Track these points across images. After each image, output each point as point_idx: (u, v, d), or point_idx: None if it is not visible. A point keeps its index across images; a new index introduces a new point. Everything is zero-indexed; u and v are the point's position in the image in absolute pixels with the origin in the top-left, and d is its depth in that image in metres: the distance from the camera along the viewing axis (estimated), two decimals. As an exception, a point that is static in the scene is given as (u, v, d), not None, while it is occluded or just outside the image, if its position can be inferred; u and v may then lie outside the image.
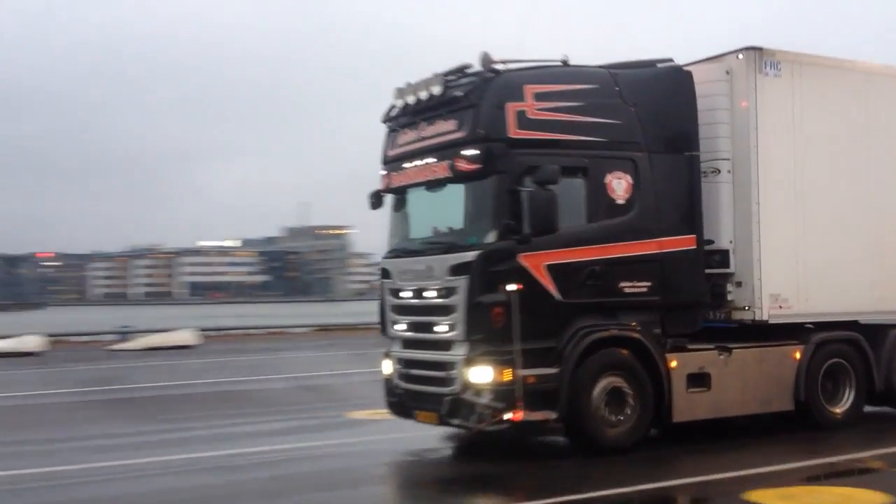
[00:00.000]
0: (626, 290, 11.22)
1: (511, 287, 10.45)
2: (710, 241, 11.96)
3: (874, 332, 12.90)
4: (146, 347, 31.84)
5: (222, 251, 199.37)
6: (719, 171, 12.10)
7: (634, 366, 11.12)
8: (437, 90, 11.16)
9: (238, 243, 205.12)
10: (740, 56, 12.12)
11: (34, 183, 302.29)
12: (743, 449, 11.44)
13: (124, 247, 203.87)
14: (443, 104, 11.17)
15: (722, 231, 12.07)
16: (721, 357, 11.80)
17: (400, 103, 11.84)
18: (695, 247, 11.64)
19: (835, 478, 10.12)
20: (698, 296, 11.73)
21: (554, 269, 10.77)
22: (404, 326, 11.78)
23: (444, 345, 11.04)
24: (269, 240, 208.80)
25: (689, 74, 11.91)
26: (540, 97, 10.95)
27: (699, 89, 11.92)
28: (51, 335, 33.53)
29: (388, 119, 12.22)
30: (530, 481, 10.37)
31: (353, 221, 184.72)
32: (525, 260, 10.63)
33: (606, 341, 11.02)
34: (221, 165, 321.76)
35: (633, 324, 11.22)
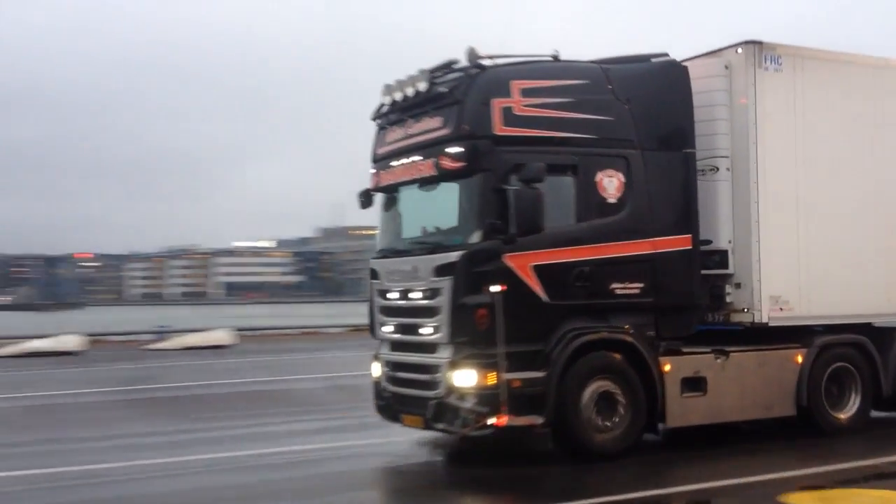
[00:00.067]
0: (618, 292, 10.89)
1: (495, 288, 10.17)
2: (708, 242, 11.61)
3: (881, 336, 12.47)
4: (183, 347, 32.06)
5: (257, 252, 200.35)
6: (717, 169, 11.74)
7: (626, 369, 10.79)
8: (422, 86, 10.92)
9: (272, 244, 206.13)
10: (739, 50, 11.75)
11: (73, 185, 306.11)
12: (770, 453, 11.32)
13: (160, 247, 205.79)
14: (429, 101, 10.92)
15: (720, 231, 11.71)
16: (718, 361, 11.43)
17: (388, 100, 11.60)
18: (690, 247, 11.28)
19: (874, 480, 9.87)
20: (694, 298, 11.37)
21: (541, 270, 10.47)
22: (391, 328, 11.56)
23: (430, 347, 10.79)
24: (303, 240, 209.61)
25: (684, 69, 11.56)
26: (527, 93, 10.66)
27: (697, 84, 11.56)
28: (89, 335, 33.82)
29: (377, 116, 12.00)
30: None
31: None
32: (511, 260, 10.34)
33: (596, 344, 10.69)
34: (256, 167, 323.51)
35: (626, 327, 10.90)
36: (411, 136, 11.22)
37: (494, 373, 10.15)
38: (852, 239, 12.24)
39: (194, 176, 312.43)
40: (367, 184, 12.15)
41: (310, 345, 33.48)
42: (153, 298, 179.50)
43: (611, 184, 10.93)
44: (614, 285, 10.87)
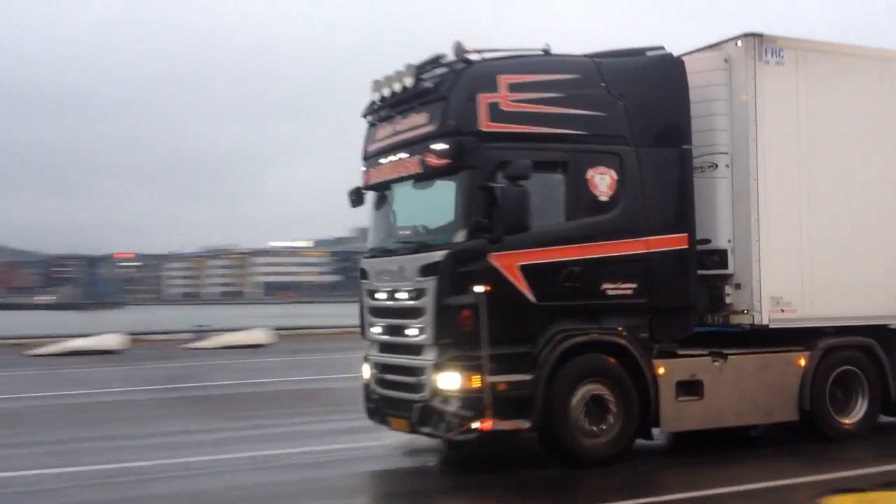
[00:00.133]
0: (610, 293, 10.56)
1: (478, 289, 9.88)
2: (707, 241, 11.26)
3: (889, 338, 12.02)
4: (221, 346, 32.16)
5: (293, 251, 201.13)
6: (716, 166, 11.37)
7: (618, 373, 10.46)
8: (409, 82, 10.67)
9: (309, 244, 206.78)
10: (739, 43, 11.37)
11: (114, 186, 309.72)
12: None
13: (199, 248, 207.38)
14: (415, 96, 10.67)
15: (719, 230, 11.35)
16: (715, 364, 11.07)
17: (377, 97, 11.36)
18: (686, 246, 10.93)
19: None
20: (690, 298, 11.01)
21: (528, 270, 10.17)
22: (380, 329, 11.32)
23: (416, 349, 10.54)
24: (340, 240, 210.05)
25: (680, 63, 11.20)
26: (515, 88, 10.36)
27: (696, 79, 11.20)
28: (130, 333, 34.03)
29: (367, 113, 11.77)
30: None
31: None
32: (496, 260, 10.06)
33: (587, 346, 10.38)
34: (293, 167, 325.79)
35: (620, 328, 10.57)
36: (399, 132, 10.97)
37: (478, 375, 9.87)
38: (858, 238, 11.82)
39: (233, 177, 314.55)
40: (359, 182, 11.92)
41: (347, 344, 33.13)
42: (192, 298, 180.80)
43: (602, 181, 10.61)
44: (606, 286, 10.54)
